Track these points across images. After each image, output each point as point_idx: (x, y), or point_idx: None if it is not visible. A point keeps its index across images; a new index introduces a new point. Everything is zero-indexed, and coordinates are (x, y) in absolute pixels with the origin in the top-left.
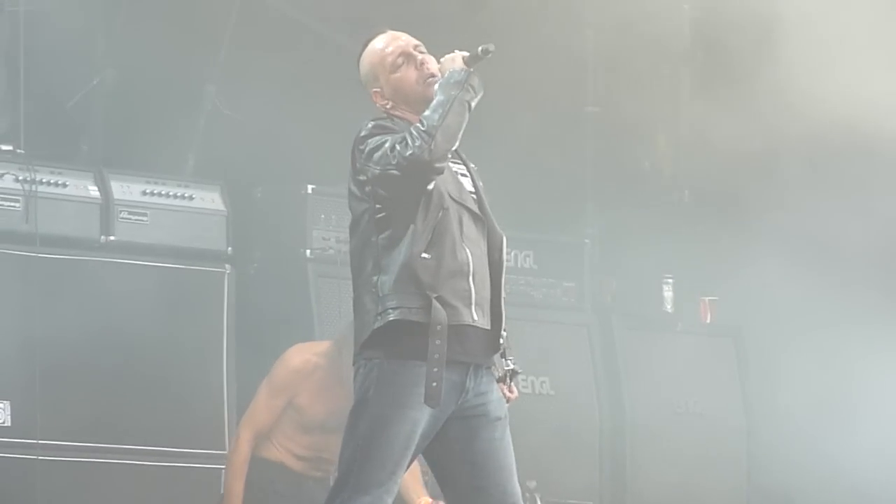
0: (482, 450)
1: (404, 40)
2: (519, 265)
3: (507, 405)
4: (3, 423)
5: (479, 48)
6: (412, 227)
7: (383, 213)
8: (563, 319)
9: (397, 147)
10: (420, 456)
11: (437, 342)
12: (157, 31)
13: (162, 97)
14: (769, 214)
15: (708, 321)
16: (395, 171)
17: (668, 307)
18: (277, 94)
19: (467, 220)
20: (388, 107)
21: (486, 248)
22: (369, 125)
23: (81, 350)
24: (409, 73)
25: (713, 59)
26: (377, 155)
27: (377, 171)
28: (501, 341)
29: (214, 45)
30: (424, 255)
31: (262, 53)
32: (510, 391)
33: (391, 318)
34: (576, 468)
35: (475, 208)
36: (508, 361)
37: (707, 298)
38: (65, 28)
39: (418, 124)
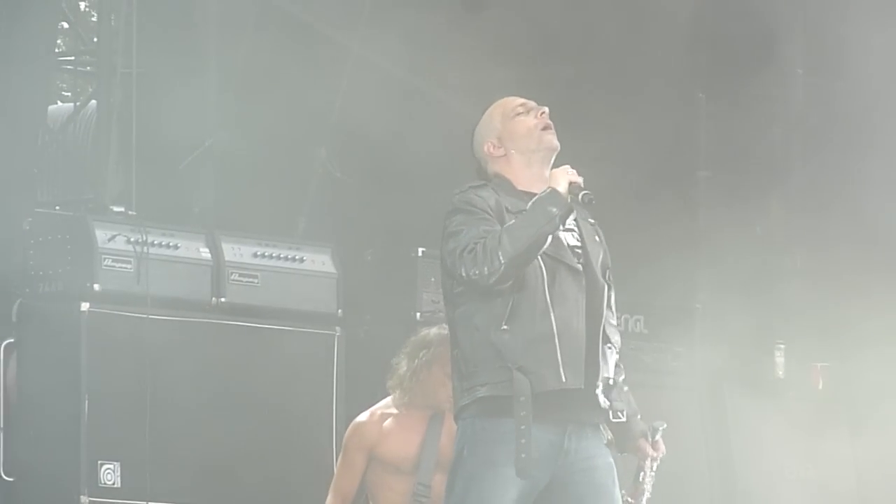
0: None
1: (528, 101)
2: (630, 329)
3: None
4: (114, 483)
5: (583, 193)
6: (489, 302)
7: (461, 290)
8: (673, 384)
9: (465, 257)
10: None
11: (522, 414)
12: (269, 94)
13: (273, 159)
14: (882, 278)
15: (820, 387)
16: (459, 276)
17: (780, 373)
18: (388, 156)
19: (563, 276)
20: (499, 154)
21: (584, 303)
22: (455, 199)
23: (191, 411)
24: (528, 120)
25: (825, 122)
26: (451, 248)
27: (449, 266)
28: (599, 395)
29: (326, 107)
30: (504, 326)
31: (373, 115)
32: (655, 449)
33: (478, 394)
34: None
35: (573, 262)
36: (619, 414)
37: (819, 364)
38: (177, 90)
39: (495, 242)
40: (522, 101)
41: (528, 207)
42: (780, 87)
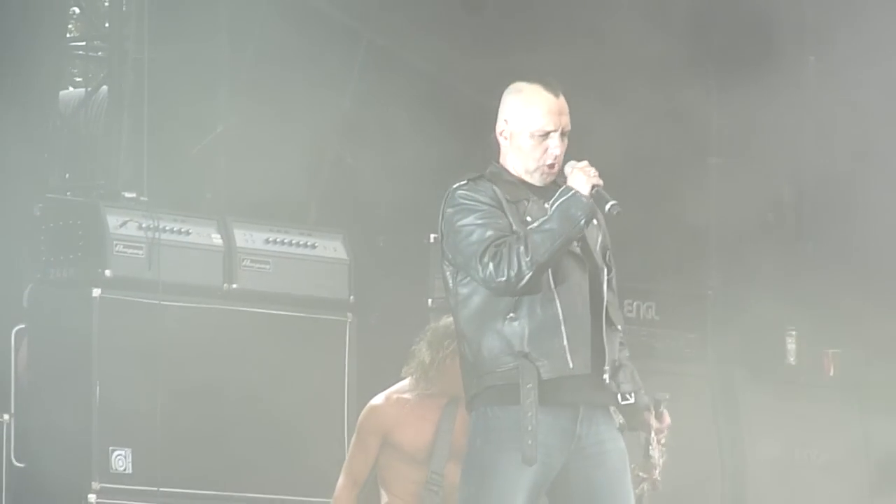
0: (601, 499)
1: (563, 121)
2: (641, 316)
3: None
4: (125, 470)
5: (610, 204)
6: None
7: (465, 280)
8: (685, 371)
9: (490, 264)
10: None
11: (528, 401)
12: (281, 79)
13: (285, 145)
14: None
15: (831, 374)
16: (476, 277)
17: (792, 359)
18: (400, 141)
19: (566, 262)
20: (504, 144)
21: (587, 287)
22: (456, 196)
23: (203, 397)
24: (537, 150)
25: (838, 108)
26: (464, 250)
27: (460, 263)
28: (606, 378)
29: (338, 93)
30: (510, 315)
31: (385, 102)
32: (660, 420)
33: (487, 383)
34: None
35: (574, 248)
36: (627, 396)
37: (831, 351)
38: (189, 76)
39: (522, 249)
40: (554, 122)
41: (550, 210)
42: (792, 75)
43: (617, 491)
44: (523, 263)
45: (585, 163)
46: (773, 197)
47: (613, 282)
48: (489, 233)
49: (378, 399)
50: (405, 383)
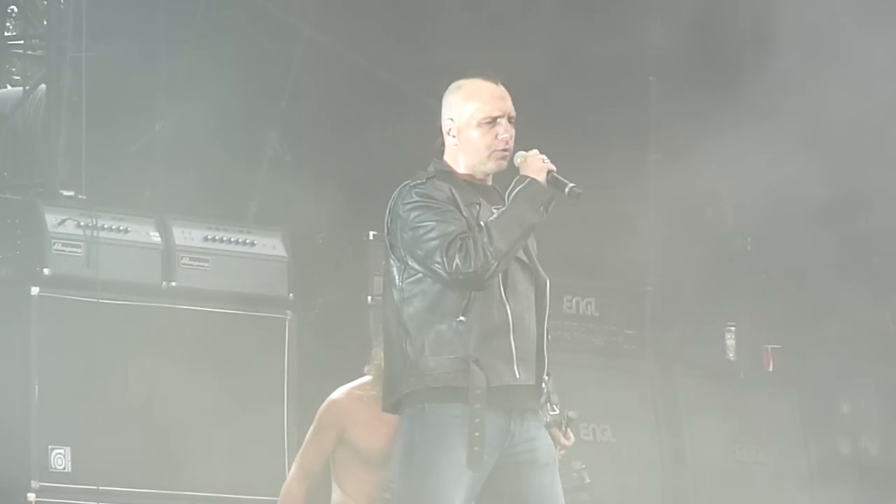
0: (533, 497)
1: (507, 105)
2: (581, 312)
3: (556, 452)
4: (64, 468)
5: (569, 187)
6: (445, 291)
7: (415, 277)
8: (624, 367)
9: (455, 256)
10: None
11: (477, 406)
12: (219, 78)
13: (223, 143)
14: (832, 260)
15: (770, 369)
16: (441, 272)
17: (731, 355)
18: (339, 140)
19: (514, 270)
20: (450, 141)
21: (534, 297)
22: (411, 193)
23: (142, 395)
24: (487, 136)
25: (776, 104)
26: (425, 245)
27: (420, 258)
28: (544, 386)
29: (276, 91)
30: (461, 318)
31: (323, 99)
32: (566, 437)
33: (430, 383)
34: None
35: (523, 256)
36: (554, 406)
37: (770, 346)
38: (127, 74)
39: (486, 238)
40: (499, 108)
41: (509, 200)
42: (731, 71)
43: (546, 486)
44: (489, 254)
45: (535, 151)
46: (711, 192)
47: (549, 292)
48: (451, 227)
49: (338, 393)
50: (366, 379)
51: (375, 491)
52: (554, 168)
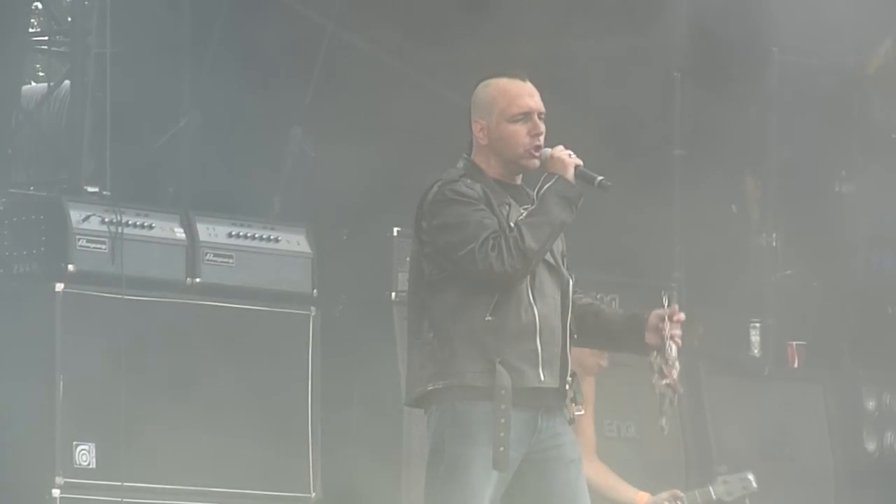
0: (559, 493)
1: (536, 101)
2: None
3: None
4: (89, 464)
5: (598, 179)
6: (474, 290)
7: (444, 276)
8: (649, 364)
9: (490, 254)
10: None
11: (502, 407)
12: (243, 73)
13: (248, 139)
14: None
15: (796, 366)
16: (472, 271)
17: (756, 351)
18: (364, 135)
19: (541, 273)
20: (482, 142)
21: (560, 299)
22: (444, 190)
23: (166, 392)
24: (521, 134)
25: (801, 101)
26: (458, 242)
27: (451, 256)
28: (567, 387)
29: (301, 86)
30: (489, 318)
31: (348, 95)
32: (673, 314)
33: (452, 381)
34: None
35: (549, 258)
36: (579, 408)
37: (795, 343)
38: (151, 69)
39: (518, 237)
40: (529, 105)
41: (537, 199)
42: (755, 66)
43: (572, 482)
44: (525, 252)
45: (560, 147)
46: (736, 188)
47: (573, 290)
48: (485, 226)
49: None
50: None
51: None
52: (581, 163)
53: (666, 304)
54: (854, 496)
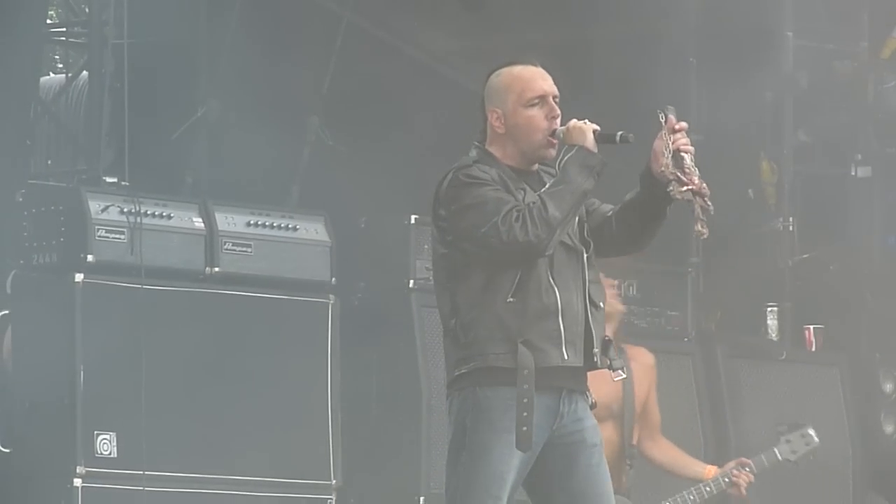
0: (581, 477)
1: (550, 84)
2: (623, 294)
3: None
4: (110, 454)
5: (619, 134)
6: (495, 273)
7: (465, 260)
8: (666, 348)
9: (514, 225)
10: None
11: (525, 387)
12: (261, 62)
13: (266, 128)
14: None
15: (813, 349)
16: (496, 245)
17: (773, 335)
18: (381, 123)
19: (559, 255)
20: (498, 130)
21: (581, 278)
22: (458, 175)
23: (187, 381)
24: (538, 118)
25: (817, 85)
26: (479, 218)
27: (472, 234)
28: (596, 360)
29: (318, 75)
30: (510, 299)
31: (365, 83)
32: (673, 128)
33: (475, 364)
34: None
35: (567, 240)
36: (620, 371)
37: (812, 327)
38: (168, 59)
39: (541, 206)
40: (544, 89)
41: (561, 168)
42: (770, 51)
43: (594, 465)
44: (549, 220)
45: (574, 119)
46: (753, 172)
47: (592, 258)
48: (505, 200)
49: None
50: None
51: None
52: (598, 127)
53: (663, 121)
54: (872, 478)
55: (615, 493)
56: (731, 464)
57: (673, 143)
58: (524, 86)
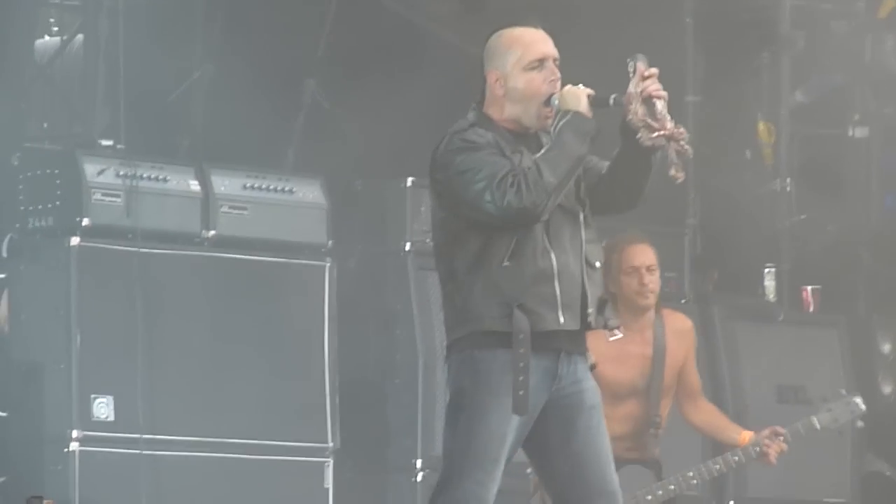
0: (580, 438)
1: (550, 47)
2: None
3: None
4: (107, 417)
5: (613, 97)
6: (492, 237)
7: (463, 224)
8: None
9: (508, 190)
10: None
11: (521, 351)
12: (257, 25)
13: (262, 91)
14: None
15: (811, 310)
16: (491, 210)
17: (771, 296)
18: (377, 86)
19: (555, 218)
20: (498, 93)
21: (578, 240)
22: (455, 139)
23: (183, 344)
24: (538, 81)
25: (814, 44)
26: (474, 185)
27: (468, 200)
28: (590, 320)
29: (314, 37)
30: (506, 263)
31: (361, 46)
32: (643, 76)
33: (472, 328)
34: (680, 456)
35: (564, 201)
36: (616, 331)
37: (810, 287)
38: (164, 22)
39: (536, 172)
40: (545, 52)
41: (555, 134)
42: (767, 11)
43: (593, 427)
44: (545, 186)
45: (569, 86)
46: (749, 134)
47: (589, 217)
48: (500, 165)
49: None
50: None
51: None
52: (592, 92)
53: (631, 71)
54: (870, 439)
55: (640, 464)
56: (766, 432)
57: (643, 91)
58: (525, 48)
